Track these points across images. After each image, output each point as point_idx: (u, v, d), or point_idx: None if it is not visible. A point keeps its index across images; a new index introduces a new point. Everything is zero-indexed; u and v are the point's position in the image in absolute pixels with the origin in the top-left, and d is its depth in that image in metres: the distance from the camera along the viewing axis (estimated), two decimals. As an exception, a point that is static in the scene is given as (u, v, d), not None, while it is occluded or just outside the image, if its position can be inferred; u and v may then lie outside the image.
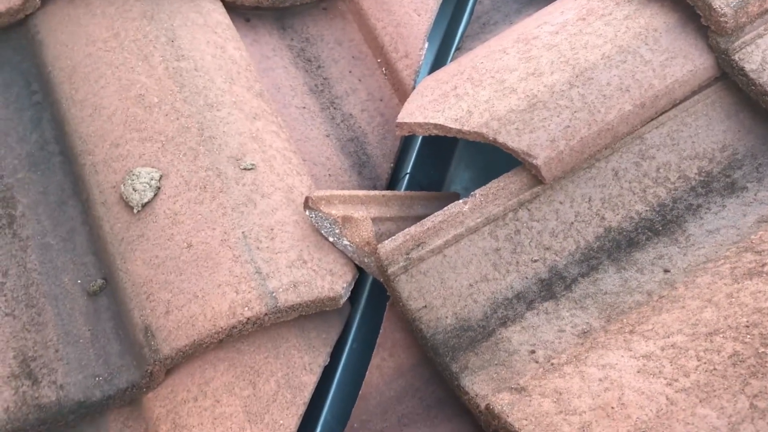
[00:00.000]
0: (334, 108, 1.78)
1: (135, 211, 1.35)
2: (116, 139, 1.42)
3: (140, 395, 1.29)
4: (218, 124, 1.47)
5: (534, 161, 1.35)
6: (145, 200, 1.35)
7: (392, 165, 1.70)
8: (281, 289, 1.30)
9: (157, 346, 1.25)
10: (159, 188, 1.37)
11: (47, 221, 1.40)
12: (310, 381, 1.32)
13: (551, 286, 1.32)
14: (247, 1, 1.79)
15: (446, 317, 1.30)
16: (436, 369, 1.32)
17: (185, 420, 1.26)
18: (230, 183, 1.40)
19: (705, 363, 1.02)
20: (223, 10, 1.73)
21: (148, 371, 1.25)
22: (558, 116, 1.39)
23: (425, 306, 1.31)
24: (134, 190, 1.35)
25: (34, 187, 1.44)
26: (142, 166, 1.39)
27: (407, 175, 1.68)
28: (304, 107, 1.76)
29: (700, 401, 0.98)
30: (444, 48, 1.87)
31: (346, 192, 1.45)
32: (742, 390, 0.97)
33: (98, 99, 1.47)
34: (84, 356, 1.28)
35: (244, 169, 1.43)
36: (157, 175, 1.37)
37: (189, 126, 1.45)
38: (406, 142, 1.76)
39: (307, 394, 1.30)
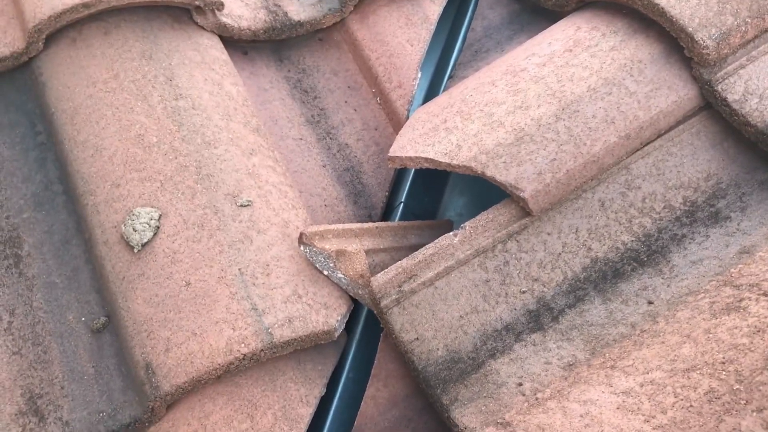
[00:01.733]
0: (330, 138, 1.83)
1: (135, 250, 1.40)
2: (117, 180, 1.48)
3: (143, 430, 1.33)
4: (215, 162, 1.52)
5: (521, 194, 1.39)
6: (145, 240, 1.40)
7: (387, 194, 1.74)
8: (277, 325, 1.35)
9: (157, 382, 1.29)
10: (158, 227, 1.41)
11: (52, 260, 1.45)
12: (306, 413, 1.36)
13: (539, 318, 1.36)
14: (244, 35, 1.83)
15: (437, 349, 1.34)
16: (428, 400, 1.36)
17: (188, 453, 1.30)
18: (227, 220, 1.44)
19: (682, 400, 1.05)
20: (220, 45, 1.78)
21: (150, 407, 1.30)
22: (544, 149, 1.42)
23: (417, 338, 1.35)
24: (134, 230, 1.40)
25: (39, 226, 1.49)
26: (141, 205, 1.44)
27: (401, 204, 1.72)
28: (301, 138, 1.80)
29: (676, 438, 1.01)
30: (437, 76, 1.91)
31: (340, 226, 1.49)
32: (717, 427, 1.00)
33: (99, 140, 1.52)
34: (88, 392, 1.33)
35: (241, 205, 1.47)
36: (156, 215, 1.42)
37: (187, 165, 1.49)
38: (401, 171, 1.80)
39: (303, 426, 1.35)
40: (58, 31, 1.63)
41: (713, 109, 1.49)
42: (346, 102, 1.88)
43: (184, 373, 1.29)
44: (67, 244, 1.47)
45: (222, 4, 1.74)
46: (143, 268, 1.39)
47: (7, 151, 1.57)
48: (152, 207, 1.44)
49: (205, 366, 1.30)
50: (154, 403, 1.30)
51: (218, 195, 1.47)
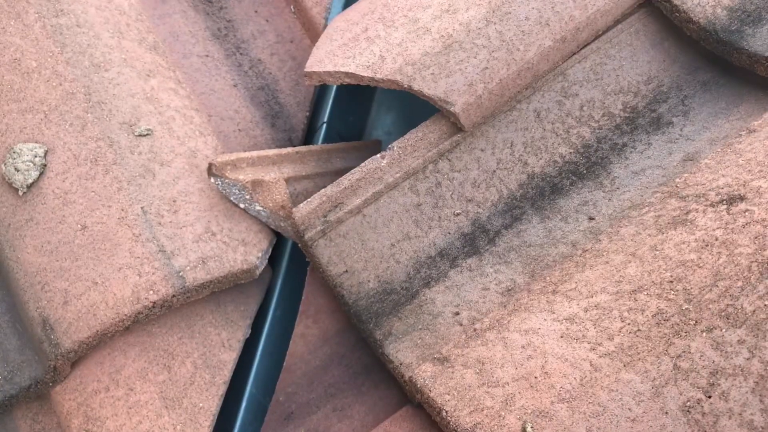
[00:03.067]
0: (241, 54, 1.65)
1: (20, 193, 1.23)
2: (-9, 113, 1.28)
3: (47, 390, 1.21)
4: (107, 87, 1.33)
5: (452, 108, 1.27)
6: (30, 180, 1.22)
7: (308, 114, 1.60)
8: (189, 267, 1.21)
9: (57, 339, 1.16)
10: (45, 166, 1.24)
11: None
12: (229, 358, 1.26)
13: (474, 241, 1.26)
14: (134, -60, 1.60)
15: (368, 281, 1.23)
16: (360, 335, 1.27)
17: (98, 412, 1.18)
18: (124, 153, 1.28)
19: (629, 324, 0.98)
20: (106, -49, 1.55)
21: (51, 366, 1.17)
22: (475, 57, 1.29)
23: (346, 271, 1.24)
24: (17, 170, 1.22)
25: None
26: (23, 141, 1.26)
27: (324, 125, 1.58)
28: (207, 55, 1.62)
29: (624, 366, 0.94)
30: (356, -20, 1.73)
31: (255, 153, 1.35)
32: (666, 351, 0.94)
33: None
34: (-20, 355, 1.19)
35: (140, 135, 1.31)
36: (41, 151, 1.24)
37: (74, 92, 1.31)
38: (322, 87, 1.65)
39: (227, 373, 1.24)
40: None
41: (653, 5, 1.37)
42: (256, 12, 1.69)
43: (87, 327, 1.16)
44: None
45: None
46: (31, 212, 1.22)
47: None
48: (36, 142, 1.26)
49: (110, 318, 1.16)
50: (56, 362, 1.16)
51: (112, 124, 1.30)
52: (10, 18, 1.36)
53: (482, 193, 1.30)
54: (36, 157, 1.24)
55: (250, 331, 1.31)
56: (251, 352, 1.36)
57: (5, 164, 1.24)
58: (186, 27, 1.63)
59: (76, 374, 1.21)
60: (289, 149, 1.40)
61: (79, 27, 1.38)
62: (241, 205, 1.32)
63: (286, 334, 1.37)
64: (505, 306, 1.13)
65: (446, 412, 0.99)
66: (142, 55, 1.42)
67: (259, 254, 1.30)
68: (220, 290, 1.29)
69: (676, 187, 1.16)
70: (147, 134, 1.31)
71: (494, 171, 1.31)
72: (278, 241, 1.43)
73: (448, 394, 1.01)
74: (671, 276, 1.00)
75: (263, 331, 1.38)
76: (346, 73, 1.36)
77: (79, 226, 1.21)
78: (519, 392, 0.97)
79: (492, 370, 1.01)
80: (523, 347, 1.03)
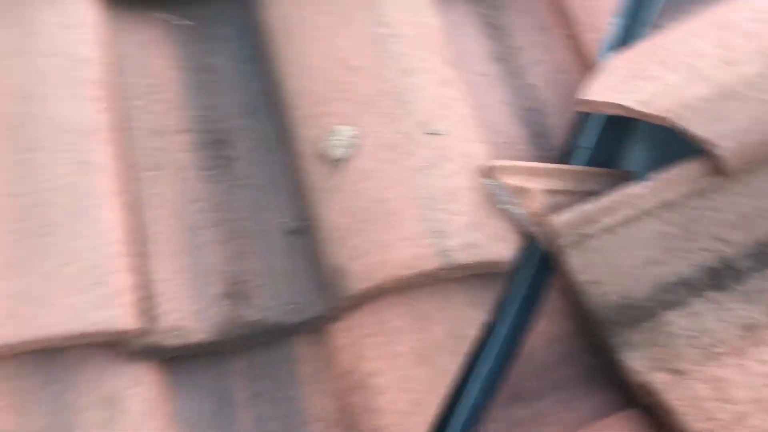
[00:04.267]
0: (517, 77, 1.85)
1: (333, 165, 1.51)
2: (320, 98, 1.59)
3: (326, 325, 1.47)
4: (412, 90, 1.59)
5: (717, 151, 1.36)
6: (343, 156, 1.50)
7: (570, 138, 1.76)
8: (456, 249, 1.42)
9: (345, 285, 1.42)
10: (355, 146, 1.52)
11: (257, 165, 1.60)
12: (472, 334, 1.45)
13: (720, 277, 1.35)
14: (443, -30, 1.87)
15: (612, 294, 1.36)
16: (594, 340, 1.40)
17: (364, 351, 1.43)
18: (419, 146, 1.52)
19: None
20: (423, -23, 1.83)
21: (336, 306, 1.43)
22: (749, 108, 1.38)
23: (593, 281, 1.38)
24: (333, 146, 1.51)
25: (247, 134, 1.64)
26: (342, 124, 1.54)
27: (584, 149, 1.72)
28: (487, 74, 1.84)
29: None
30: (635, 23, 1.86)
31: (524, 163, 1.54)
32: None
33: (307, 59, 1.64)
34: (282, 287, 1.48)
35: (432, 134, 1.54)
36: (354, 134, 1.52)
37: (386, 90, 1.58)
38: (586, 115, 1.80)
39: (468, 345, 1.43)
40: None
41: None
42: (536, 42, 1.89)
43: (369, 280, 1.40)
44: (271, 152, 1.61)
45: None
46: (339, 181, 1.50)
47: (225, 61, 1.72)
48: (351, 126, 1.54)
49: (389, 276, 1.40)
50: (341, 303, 1.42)
51: (412, 122, 1.55)
52: (343, 24, 1.66)
53: (734, 235, 1.38)
54: (350, 138, 1.52)
55: (491, 318, 1.50)
56: (488, 337, 1.54)
57: (325, 140, 1.53)
58: (473, 48, 1.86)
59: (350, 318, 1.47)
60: (552, 165, 1.57)
61: (395, 38, 1.66)
62: (504, 206, 1.51)
63: (521, 329, 1.53)
64: (744, 338, 1.22)
65: (681, 415, 1.10)
66: (440, 67, 1.66)
67: (512, 251, 1.48)
68: (474, 274, 1.48)
69: None
70: (438, 134, 1.54)
71: (749, 217, 1.39)
72: (527, 245, 1.59)
73: (682, 401, 1.12)
74: None
75: (502, 322, 1.55)
76: (619, 105, 1.51)
77: (375, 198, 1.47)
78: (753, 413, 1.06)
79: (727, 388, 1.11)
80: (759, 375, 1.11)
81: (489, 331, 1.51)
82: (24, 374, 1.31)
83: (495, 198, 1.51)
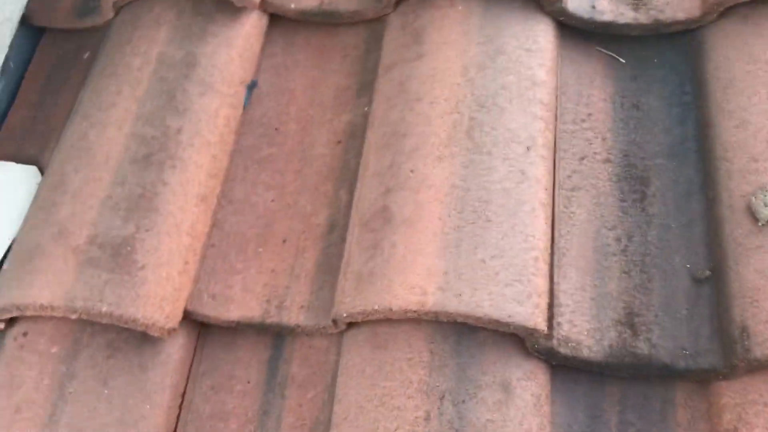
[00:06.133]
0: None
1: (759, 224, 1.49)
2: (756, 155, 1.57)
3: (714, 379, 1.47)
4: None
5: None
6: (772, 217, 1.48)
7: None
8: None
9: (749, 346, 1.40)
10: (788, 209, 1.48)
11: (671, 206, 1.64)
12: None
13: None
14: None
15: None
16: None
17: (750, 418, 1.40)
18: None
19: None
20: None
21: (734, 364, 1.42)
22: None
23: None
24: (765, 205, 1.49)
25: (667, 174, 1.69)
26: (782, 184, 1.52)
27: None
28: None
29: None
30: None
31: None
32: None
33: (747, 114, 1.63)
34: (677, 329, 1.51)
35: None
36: (788, 197, 1.49)
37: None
38: None
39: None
40: (732, 7, 1.76)
41: None
42: None
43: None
44: (688, 197, 1.64)
45: None
46: (762, 241, 1.48)
47: (655, 102, 1.79)
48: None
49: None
50: (740, 362, 1.41)
51: None
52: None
53: None
54: (783, 201, 1.49)
55: None
56: None
57: (755, 197, 1.52)
58: None
59: (743, 380, 1.44)
60: None
61: None
62: None
63: None
64: None
65: None
66: None
67: None
68: None
69: None
70: None
71: None
72: None
73: None
74: None
75: None
76: None
77: (801, 268, 1.42)
78: None
79: None
80: None
81: None
82: (440, 339, 1.52)
83: None
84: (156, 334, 1.56)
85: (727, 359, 1.44)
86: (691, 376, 1.49)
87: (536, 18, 1.83)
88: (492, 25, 1.80)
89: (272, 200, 1.77)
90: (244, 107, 1.89)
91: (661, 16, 1.84)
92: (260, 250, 1.70)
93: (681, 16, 1.81)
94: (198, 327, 1.69)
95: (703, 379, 1.49)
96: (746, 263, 1.48)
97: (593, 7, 1.85)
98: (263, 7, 1.98)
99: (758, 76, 1.67)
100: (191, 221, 1.67)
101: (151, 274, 1.58)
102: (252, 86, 1.92)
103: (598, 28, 1.85)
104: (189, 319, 1.64)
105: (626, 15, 1.85)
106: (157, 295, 1.56)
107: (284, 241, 1.70)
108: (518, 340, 1.50)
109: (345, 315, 1.52)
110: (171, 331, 1.57)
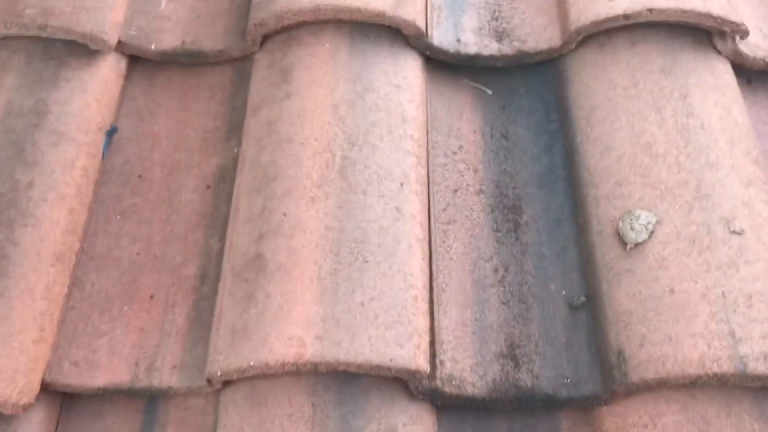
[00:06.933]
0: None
1: (627, 248, 1.53)
2: (621, 179, 1.62)
3: (597, 406, 1.48)
4: (714, 185, 1.57)
5: None
6: (639, 240, 1.52)
7: None
8: (751, 357, 1.37)
9: (626, 371, 1.42)
10: (652, 232, 1.52)
11: (544, 234, 1.66)
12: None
13: None
14: (756, 65, 1.83)
15: None
16: None
17: (633, 440, 1.42)
18: (717, 243, 1.50)
19: None
20: (731, 71, 1.81)
21: (613, 390, 1.43)
22: None
23: None
24: (631, 229, 1.53)
25: (538, 203, 1.71)
26: (640, 208, 1.56)
27: None
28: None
29: None
30: None
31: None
32: None
33: (610, 140, 1.68)
34: (557, 358, 1.51)
35: (733, 232, 1.51)
36: (653, 220, 1.53)
37: (688, 181, 1.57)
38: None
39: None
40: (590, 36, 1.81)
41: None
42: None
43: (654, 371, 1.39)
44: (559, 224, 1.67)
45: (747, 33, 1.77)
46: (631, 264, 1.51)
47: (523, 131, 1.82)
48: (649, 212, 1.55)
49: (675, 372, 1.38)
50: (618, 387, 1.42)
51: (713, 216, 1.53)
52: (652, 110, 1.69)
53: None
54: (649, 224, 1.53)
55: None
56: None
57: (623, 221, 1.55)
58: (778, 148, 1.80)
59: (623, 404, 1.46)
60: None
61: (702, 129, 1.65)
62: (808, 322, 1.42)
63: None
64: None
65: None
66: (746, 165, 1.63)
67: (813, 371, 1.39)
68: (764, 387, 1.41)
69: None
70: (739, 233, 1.51)
71: None
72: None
73: None
74: None
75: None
76: None
77: (668, 289, 1.46)
78: None
79: None
80: None
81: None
82: (322, 390, 1.45)
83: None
84: (8, 412, 1.41)
85: (606, 385, 1.46)
86: (574, 405, 1.49)
87: (404, 53, 1.83)
88: (360, 62, 1.78)
89: (138, 253, 1.66)
90: (104, 155, 1.77)
91: (525, 47, 1.87)
92: (126, 308, 1.58)
93: (543, 46, 1.85)
94: (60, 398, 1.55)
95: (585, 406, 1.50)
96: (618, 287, 1.51)
97: (458, 40, 1.86)
98: (121, 48, 1.88)
99: (618, 102, 1.73)
100: (46, 283, 1.53)
101: (1, 345, 1.43)
102: (112, 132, 1.81)
103: (465, 60, 1.87)
104: (49, 390, 1.50)
105: (491, 47, 1.87)
106: (9, 369, 1.42)
107: (152, 297, 1.59)
108: (402, 383, 1.46)
109: (219, 374, 1.43)
110: (26, 407, 1.43)
